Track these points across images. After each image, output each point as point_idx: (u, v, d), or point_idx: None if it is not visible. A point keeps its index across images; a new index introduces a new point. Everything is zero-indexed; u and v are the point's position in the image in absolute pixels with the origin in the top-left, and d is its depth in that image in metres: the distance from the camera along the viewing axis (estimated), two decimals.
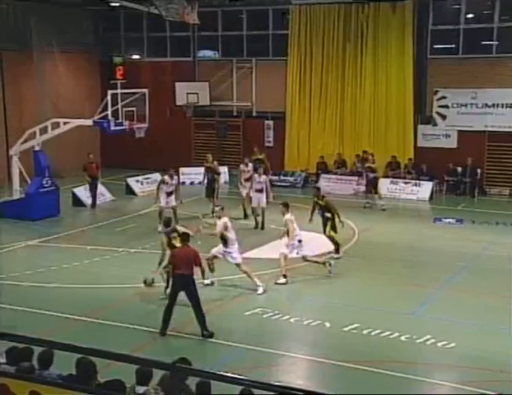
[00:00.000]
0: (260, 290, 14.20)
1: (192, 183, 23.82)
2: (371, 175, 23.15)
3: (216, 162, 21.62)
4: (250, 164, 21.28)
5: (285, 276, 14.85)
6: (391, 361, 11.13)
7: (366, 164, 23.73)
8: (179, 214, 19.20)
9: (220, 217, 14.46)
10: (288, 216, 15.01)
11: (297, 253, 15.07)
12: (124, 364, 5.48)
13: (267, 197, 19.61)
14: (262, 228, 19.46)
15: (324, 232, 16.81)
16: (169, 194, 19.09)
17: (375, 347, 11.77)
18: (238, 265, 14.38)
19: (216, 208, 15.82)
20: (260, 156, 23.64)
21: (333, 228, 16.67)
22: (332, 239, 16.77)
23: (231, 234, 14.26)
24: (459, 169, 24.40)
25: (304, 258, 15.26)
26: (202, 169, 21.94)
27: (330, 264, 15.33)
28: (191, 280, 11.98)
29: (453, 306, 13.65)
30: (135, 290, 14.68)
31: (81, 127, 22.97)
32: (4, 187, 22.94)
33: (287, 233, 14.94)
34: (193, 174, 25.38)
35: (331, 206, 16.79)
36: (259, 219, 19.59)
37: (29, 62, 26.72)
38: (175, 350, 11.77)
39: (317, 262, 15.51)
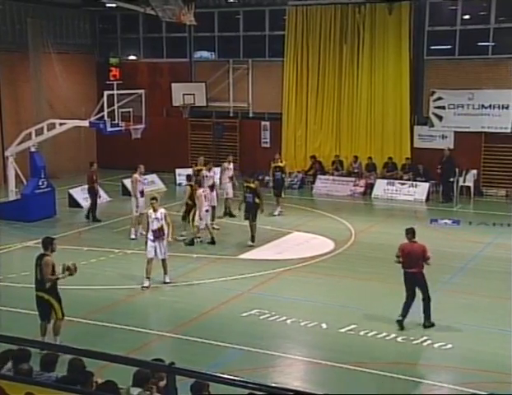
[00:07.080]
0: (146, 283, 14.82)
1: None
2: None
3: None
4: (232, 164, 21.66)
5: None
6: (388, 362, 11.13)
7: None
8: None
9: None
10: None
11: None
12: (120, 365, 5.44)
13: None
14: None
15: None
16: (141, 194, 18.79)
17: (372, 348, 11.76)
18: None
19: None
20: (281, 164, 22.03)
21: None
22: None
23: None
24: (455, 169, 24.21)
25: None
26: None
27: None
28: (420, 276, 12.58)
29: (450, 307, 13.64)
30: (131, 292, 14.68)
31: (77, 128, 22.94)
32: (0, 188, 22.86)
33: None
34: None
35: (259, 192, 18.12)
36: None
37: (25, 63, 26.65)
38: (172, 352, 11.76)
39: None
